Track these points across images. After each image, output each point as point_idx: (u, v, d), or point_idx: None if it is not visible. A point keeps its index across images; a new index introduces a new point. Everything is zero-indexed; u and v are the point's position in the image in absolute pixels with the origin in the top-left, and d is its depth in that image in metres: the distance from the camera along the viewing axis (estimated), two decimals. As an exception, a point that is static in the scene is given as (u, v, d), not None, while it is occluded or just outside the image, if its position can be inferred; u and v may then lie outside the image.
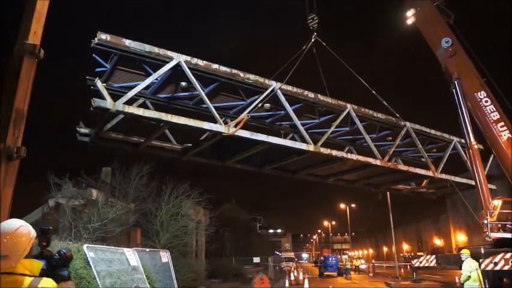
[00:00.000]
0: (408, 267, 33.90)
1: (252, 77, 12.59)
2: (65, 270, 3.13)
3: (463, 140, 18.12)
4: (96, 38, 9.99)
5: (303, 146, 13.62)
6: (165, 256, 14.26)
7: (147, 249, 14.06)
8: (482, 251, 15.68)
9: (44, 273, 2.82)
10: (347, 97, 14.88)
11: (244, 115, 12.33)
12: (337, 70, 17.49)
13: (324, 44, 16.21)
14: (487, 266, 13.93)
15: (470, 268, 10.97)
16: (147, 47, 10.74)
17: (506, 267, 14.18)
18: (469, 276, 10.84)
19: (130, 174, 17.99)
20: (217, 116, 11.87)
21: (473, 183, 18.16)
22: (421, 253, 48.09)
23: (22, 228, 2.77)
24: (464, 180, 19.07)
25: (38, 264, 2.79)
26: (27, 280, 2.58)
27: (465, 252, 11.63)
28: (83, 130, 12.79)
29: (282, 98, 13.12)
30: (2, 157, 3.73)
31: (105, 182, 18.68)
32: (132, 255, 11.43)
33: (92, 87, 11.14)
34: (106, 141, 13.43)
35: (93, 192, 17.27)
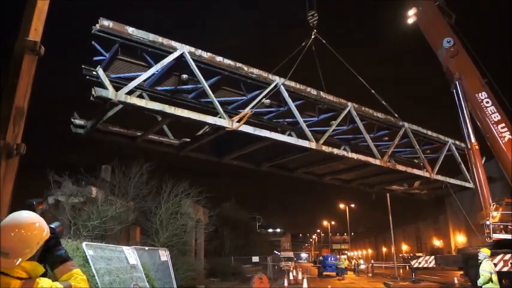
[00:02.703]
0: (407, 267, 33.93)
1: (255, 71, 12.41)
2: (61, 249, 2.63)
3: (457, 142, 18.14)
4: (97, 25, 9.63)
5: (305, 144, 13.52)
6: (164, 254, 14.25)
7: (146, 248, 14.05)
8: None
9: (39, 257, 2.45)
10: (345, 96, 14.80)
11: (247, 110, 12.17)
12: (336, 68, 17.44)
13: (324, 41, 16.15)
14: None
15: (491, 269, 10.12)
16: (151, 36, 10.45)
17: (505, 269, 14.19)
18: (490, 279, 9.97)
19: (130, 172, 17.98)
20: (221, 110, 11.72)
21: (468, 185, 18.19)
22: (420, 254, 48.12)
23: (32, 223, 2.40)
24: (459, 182, 19.02)
25: (41, 270, 2.39)
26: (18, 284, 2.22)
27: (484, 252, 10.66)
28: (78, 121, 12.42)
29: (285, 94, 12.99)
30: (2, 154, 3.73)
31: (104, 180, 18.67)
32: (131, 254, 11.43)
33: (87, 77, 10.86)
34: (103, 133, 12.97)
35: (93, 190, 17.26)
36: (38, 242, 2.38)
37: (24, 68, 3.85)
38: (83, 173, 16.87)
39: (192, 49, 11.11)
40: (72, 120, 12.31)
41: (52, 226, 2.69)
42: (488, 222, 15.76)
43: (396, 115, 16.29)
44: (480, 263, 10.42)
